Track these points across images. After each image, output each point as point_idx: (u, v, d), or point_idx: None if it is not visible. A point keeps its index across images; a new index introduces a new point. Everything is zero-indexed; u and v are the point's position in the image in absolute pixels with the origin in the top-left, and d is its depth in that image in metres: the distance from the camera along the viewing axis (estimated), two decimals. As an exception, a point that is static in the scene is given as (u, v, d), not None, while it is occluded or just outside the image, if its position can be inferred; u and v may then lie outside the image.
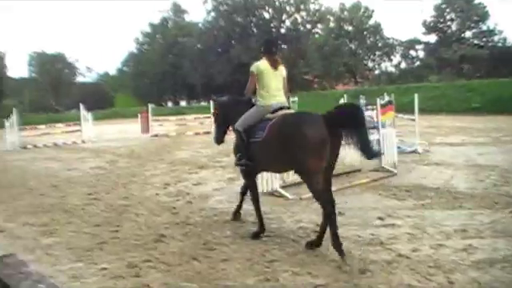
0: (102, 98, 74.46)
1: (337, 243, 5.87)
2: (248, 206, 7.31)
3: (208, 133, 21.55)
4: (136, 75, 72.75)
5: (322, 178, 5.99)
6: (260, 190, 7.63)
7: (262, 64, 7.04)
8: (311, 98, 40.04)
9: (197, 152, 15.88)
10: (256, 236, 6.79)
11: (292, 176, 8.76)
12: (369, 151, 5.85)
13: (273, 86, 7.02)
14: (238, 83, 55.20)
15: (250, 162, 6.82)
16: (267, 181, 8.82)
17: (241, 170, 7.14)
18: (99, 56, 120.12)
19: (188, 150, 16.83)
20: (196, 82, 62.10)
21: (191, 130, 25.34)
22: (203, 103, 71.26)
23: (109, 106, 67.82)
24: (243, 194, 7.60)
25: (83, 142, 22.76)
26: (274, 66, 7.06)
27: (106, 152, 17.52)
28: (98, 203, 9.10)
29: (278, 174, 8.65)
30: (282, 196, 8.74)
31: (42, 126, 24.80)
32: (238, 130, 6.95)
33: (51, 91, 71.90)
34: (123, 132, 29.11)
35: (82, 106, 24.69)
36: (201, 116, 27.52)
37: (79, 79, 76.56)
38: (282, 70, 7.17)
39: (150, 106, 26.41)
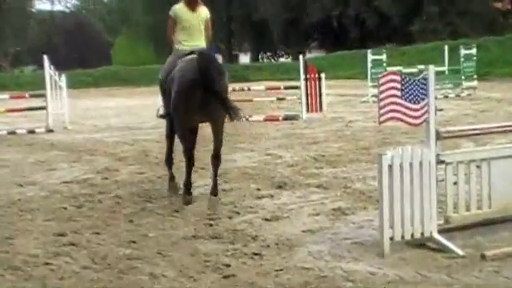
0: (86, 45, 61.90)
1: None
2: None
3: (293, 119, 15.36)
4: (153, 2, 57.36)
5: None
6: (398, 235, 5.11)
7: (179, 7, 7.36)
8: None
9: (272, 155, 10.37)
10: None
11: (462, 210, 5.50)
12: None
13: (190, 29, 7.33)
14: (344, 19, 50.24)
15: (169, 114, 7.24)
16: (412, 219, 5.19)
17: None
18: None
19: (255, 150, 11.00)
20: (272, 18, 53.29)
21: (260, 112, 17.61)
22: (283, 59, 62.82)
23: (100, 62, 51.61)
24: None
25: (49, 130, 15.04)
26: (192, 8, 7.32)
27: (94, 152, 11.60)
28: (77, 255, 5.36)
29: (433, 209, 5.24)
30: (441, 250, 5.21)
31: None
32: (159, 78, 7.55)
33: None
34: (128, 112, 20.76)
35: (45, 60, 15.61)
36: (279, 85, 20.44)
37: (40, 6, 65.65)
38: (202, 13, 7.43)
39: None
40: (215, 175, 7.03)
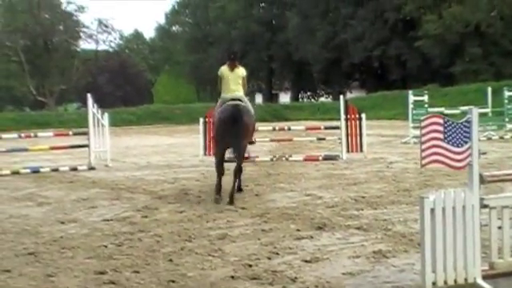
0: (128, 84, 60.38)
1: None
2: None
3: (333, 159, 15.23)
4: (196, 42, 57.53)
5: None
6: (441, 280, 4.85)
7: (224, 68, 10.57)
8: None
9: (311, 195, 10.17)
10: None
11: (507, 256, 5.16)
12: None
13: (230, 83, 10.40)
14: (385, 60, 49.29)
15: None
16: (455, 264, 4.94)
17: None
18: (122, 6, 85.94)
19: (294, 190, 10.85)
20: (313, 58, 51.16)
21: (300, 152, 17.79)
22: (323, 98, 58.80)
23: (142, 100, 50.81)
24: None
25: (91, 168, 15.05)
26: (232, 68, 10.48)
27: (134, 189, 11.53)
28: None
29: (477, 254, 5.02)
30: None
31: (10, 135, 16.54)
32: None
33: (28, 66, 57.67)
34: (169, 151, 20.51)
35: (89, 99, 15.60)
36: (319, 125, 20.21)
37: (85, 46, 63.28)
38: (239, 72, 10.54)
39: None
40: (234, 181, 9.83)
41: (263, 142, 19.07)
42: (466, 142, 4.80)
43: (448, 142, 4.79)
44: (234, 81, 10.45)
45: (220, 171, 9.91)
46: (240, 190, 10.38)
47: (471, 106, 5.10)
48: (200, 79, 63.17)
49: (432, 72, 48.83)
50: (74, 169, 14.66)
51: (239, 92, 10.37)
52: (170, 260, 6.22)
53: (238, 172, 10.07)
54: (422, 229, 4.76)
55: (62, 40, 67.80)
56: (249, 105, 10.57)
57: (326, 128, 18.26)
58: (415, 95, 21.30)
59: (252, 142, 11.27)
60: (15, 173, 14.16)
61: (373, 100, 44.04)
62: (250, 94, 71.64)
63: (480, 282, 4.92)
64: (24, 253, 6.71)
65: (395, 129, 26.69)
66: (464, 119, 4.86)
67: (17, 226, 8.26)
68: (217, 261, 6.17)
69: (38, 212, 9.42)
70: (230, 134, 9.73)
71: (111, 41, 74.13)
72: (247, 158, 11.63)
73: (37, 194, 11.24)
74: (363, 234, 7.18)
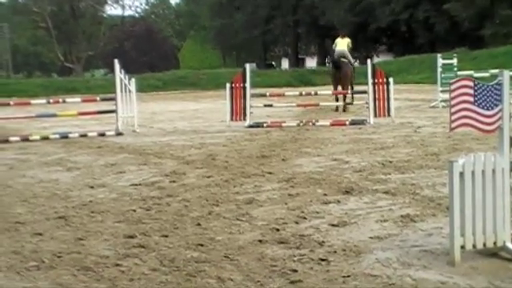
0: (155, 50, 59.65)
1: None
2: None
3: (360, 123, 15.08)
4: (221, 6, 56.65)
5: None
6: (470, 244, 4.91)
7: (338, 38, 19.92)
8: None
9: (338, 160, 10.08)
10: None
11: None
12: None
13: (339, 44, 19.52)
14: (413, 23, 48.84)
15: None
16: (484, 228, 4.94)
17: None
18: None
19: (321, 155, 10.74)
20: (340, 22, 50.19)
21: (327, 116, 17.47)
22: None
23: (168, 66, 50.48)
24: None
25: (119, 133, 15.01)
26: (342, 37, 19.79)
27: (161, 155, 11.50)
28: (146, 257, 5.27)
29: (507, 218, 5.00)
30: None
31: (39, 101, 17.34)
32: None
33: (55, 32, 58.38)
34: (195, 116, 20.26)
35: (116, 64, 15.68)
36: (345, 91, 19.26)
37: (111, 11, 64.97)
38: (346, 39, 19.73)
39: (249, 66, 17.12)
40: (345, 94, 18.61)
41: (290, 107, 19.06)
42: (497, 105, 4.73)
43: (478, 105, 4.72)
44: (343, 43, 19.47)
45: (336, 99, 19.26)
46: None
47: (502, 69, 5.01)
48: (225, 44, 62.69)
49: (461, 35, 47.89)
50: (102, 134, 14.68)
51: (344, 48, 19.36)
52: (198, 224, 6.23)
53: (344, 88, 18.75)
54: (450, 193, 4.72)
55: (88, 5, 67.82)
56: (349, 57, 19.42)
57: (353, 92, 18.18)
58: (444, 58, 20.96)
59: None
60: (45, 138, 14.25)
61: (400, 64, 43.46)
62: (276, 58, 71.38)
63: (509, 245, 4.90)
64: (55, 216, 6.77)
65: (423, 93, 26.36)
66: (495, 82, 4.78)
67: (47, 191, 8.33)
68: (244, 225, 6.18)
69: (68, 177, 9.44)
70: (337, 69, 19.20)
71: (137, 6, 74.26)
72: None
73: (66, 159, 11.30)
74: (391, 199, 7.13)
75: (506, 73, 4.77)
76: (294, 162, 10.11)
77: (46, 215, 6.86)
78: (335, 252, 5.17)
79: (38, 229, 6.22)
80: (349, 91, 18.63)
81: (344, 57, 19.19)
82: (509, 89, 4.76)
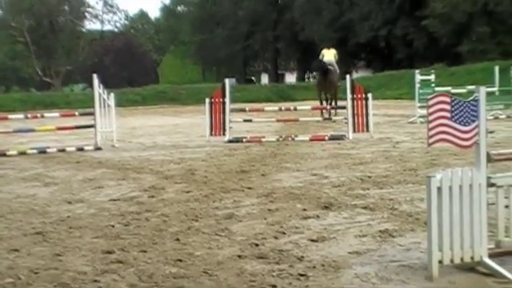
0: (134, 64, 59.72)
1: None
2: None
3: (339, 139, 15.15)
4: (201, 22, 57.18)
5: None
6: (447, 258, 4.99)
7: (324, 50, 22.34)
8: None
9: (318, 175, 10.13)
10: None
11: None
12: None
13: (326, 56, 21.76)
14: (392, 39, 49.69)
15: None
16: (462, 243, 5.01)
17: None
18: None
19: (300, 170, 10.78)
20: (320, 38, 50.31)
21: (306, 132, 17.51)
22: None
23: (148, 81, 50.75)
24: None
25: (98, 148, 14.84)
26: (328, 48, 22.29)
27: (140, 170, 11.43)
28: (125, 273, 5.24)
29: (484, 233, 5.09)
30: (492, 275, 4.97)
31: (17, 116, 16.59)
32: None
33: (34, 47, 58.72)
34: (175, 131, 20.28)
35: (95, 79, 15.46)
36: (325, 106, 20.58)
37: (90, 26, 63.93)
38: (333, 51, 21.96)
39: (229, 81, 16.75)
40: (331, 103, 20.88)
41: (269, 122, 19.12)
42: (474, 121, 4.78)
43: (455, 121, 4.77)
44: (329, 54, 21.58)
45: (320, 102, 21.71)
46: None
47: (478, 86, 5.08)
48: (206, 59, 62.94)
49: (439, 51, 48.50)
50: (81, 149, 14.59)
51: (332, 59, 21.30)
52: (177, 239, 6.23)
53: (333, 101, 21.15)
54: (428, 208, 4.76)
55: (67, 20, 67.80)
56: (336, 67, 21.27)
57: (332, 108, 18.31)
58: (422, 74, 21.24)
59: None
60: (22, 153, 14.12)
61: (379, 79, 43.83)
62: (256, 74, 71.68)
63: (486, 260, 4.94)
64: (32, 232, 6.73)
65: (401, 108, 26.58)
66: (471, 98, 4.84)
67: (24, 206, 8.28)
68: (224, 240, 6.18)
69: (45, 192, 9.41)
70: (324, 79, 20.82)
71: (116, 21, 74.12)
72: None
73: (44, 174, 11.25)
74: (369, 214, 7.18)
75: (483, 89, 4.83)
76: (273, 177, 10.14)
77: (23, 231, 6.80)
78: (314, 267, 5.18)
79: (15, 245, 6.16)
80: (333, 103, 20.73)
81: (332, 65, 21.02)
82: (485, 105, 4.83)
